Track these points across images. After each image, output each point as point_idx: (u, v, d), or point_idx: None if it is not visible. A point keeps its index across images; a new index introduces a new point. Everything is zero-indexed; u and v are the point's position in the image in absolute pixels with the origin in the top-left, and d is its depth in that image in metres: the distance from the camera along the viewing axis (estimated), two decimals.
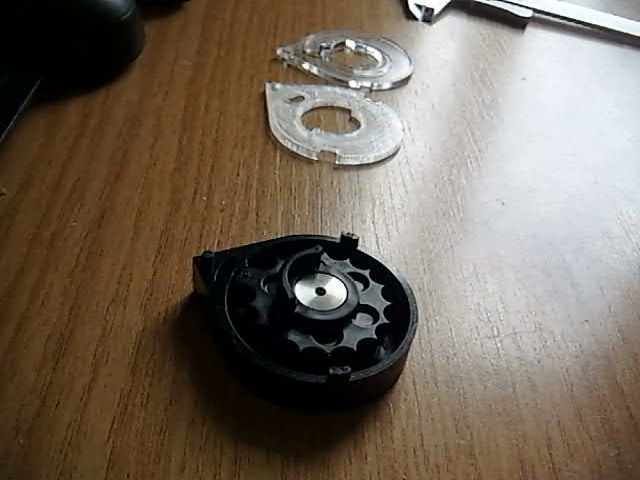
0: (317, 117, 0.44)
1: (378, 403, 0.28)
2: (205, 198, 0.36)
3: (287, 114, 0.42)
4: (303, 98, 0.44)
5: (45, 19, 0.40)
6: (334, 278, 0.30)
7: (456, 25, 0.56)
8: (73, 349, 0.28)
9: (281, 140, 0.40)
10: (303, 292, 0.29)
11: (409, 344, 0.28)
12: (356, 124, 0.43)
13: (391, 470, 0.26)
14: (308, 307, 0.28)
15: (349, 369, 0.26)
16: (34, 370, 0.27)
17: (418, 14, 0.55)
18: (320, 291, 0.29)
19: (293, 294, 0.28)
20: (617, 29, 0.57)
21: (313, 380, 0.26)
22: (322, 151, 0.40)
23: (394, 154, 0.41)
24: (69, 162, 0.37)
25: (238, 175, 0.38)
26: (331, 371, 0.26)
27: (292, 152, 0.40)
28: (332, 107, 0.44)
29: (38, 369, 0.27)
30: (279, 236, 0.33)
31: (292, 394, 0.27)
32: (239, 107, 0.43)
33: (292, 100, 0.44)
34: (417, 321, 0.29)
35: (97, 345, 0.29)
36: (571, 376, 0.30)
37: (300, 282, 0.29)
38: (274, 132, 0.41)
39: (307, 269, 0.30)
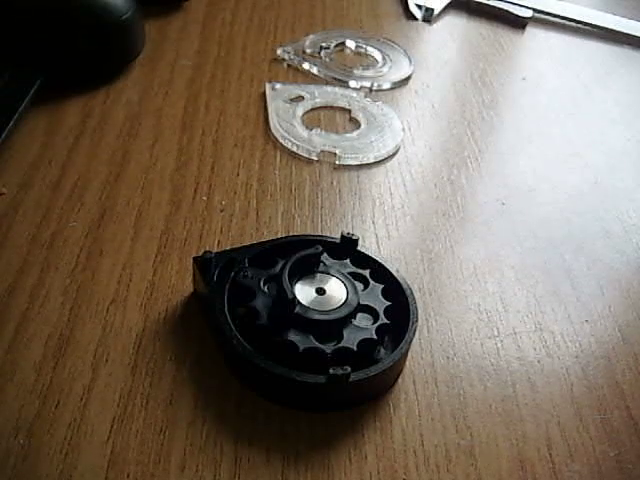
0: (317, 117, 0.44)
1: (378, 403, 0.28)
2: (205, 198, 0.36)
3: (287, 114, 0.42)
4: (303, 98, 0.44)
5: (45, 19, 0.40)
6: (334, 278, 0.29)
7: (456, 25, 0.56)
8: (73, 349, 0.28)
9: (281, 140, 0.40)
10: (303, 292, 0.29)
11: (409, 344, 0.28)
12: (356, 124, 0.43)
13: (391, 470, 0.26)
14: (308, 307, 0.28)
15: (349, 369, 0.26)
16: (34, 370, 0.27)
17: (418, 14, 0.55)
18: (320, 291, 0.29)
19: (293, 294, 0.28)
20: (617, 29, 0.57)
21: (313, 380, 0.26)
22: (322, 151, 0.40)
23: (394, 154, 0.41)
24: (69, 162, 0.37)
25: (238, 175, 0.38)
26: (331, 371, 0.26)
27: (292, 152, 0.40)
28: (332, 107, 0.44)
29: (38, 369, 0.27)
30: (279, 236, 0.33)
31: (292, 394, 0.27)
32: (239, 107, 0.43)
33: (292, 100, 0.44)
34: (417, 321, 0.29)
35: (97, 345, 0.29)
36: (571, 376, 0.30)
37: (300, 282, 0.29)
38: (274, 132, 0.41)
39: (307, 269, 0.29)
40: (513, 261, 0.35)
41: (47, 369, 0.27)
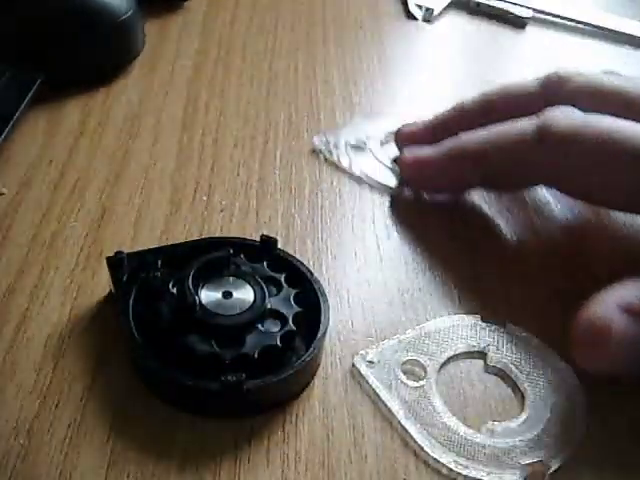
0: None
1: (377, 403, 0.28)
2: (205, 198, 0.36)
3: None
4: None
5: (45, 19, 0.40)
6: (244, 282, 0.28)
7: (456, 25, 0.56)
8: (73, 349, 0.28)
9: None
10: (208, 295, 0.28)
11: (319, 351, 0.28)
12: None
13: (391, 470, 0.26)
14: (210, 311, 0.27)
15: (243, 376, 0.25)
16: (34, 370, 0.27)
17: (418, 14, 0.55)
18: (227, 295, 0.28)
19: (193, 297, 0.27)
20: (617, 29, 0.57)
21: (207, 386, 0.25)
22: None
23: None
24: (69, 162, 0.37)
25: (238, 175, 0.38)
26: (222, 378, 0.25)
27: None
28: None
29: (38, 369, 0.27)
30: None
31: (186, 399, 0.27)
32: (239, 107, 0.43)
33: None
34: (327, 329, 0.28)
35: (97, 345, 0.29)
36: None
37: (208, 285, 0.28)
38: None
39: (218, 272, 0.29)
40: (512, 261, 0.35)
41: (47, 369, 0.27)
